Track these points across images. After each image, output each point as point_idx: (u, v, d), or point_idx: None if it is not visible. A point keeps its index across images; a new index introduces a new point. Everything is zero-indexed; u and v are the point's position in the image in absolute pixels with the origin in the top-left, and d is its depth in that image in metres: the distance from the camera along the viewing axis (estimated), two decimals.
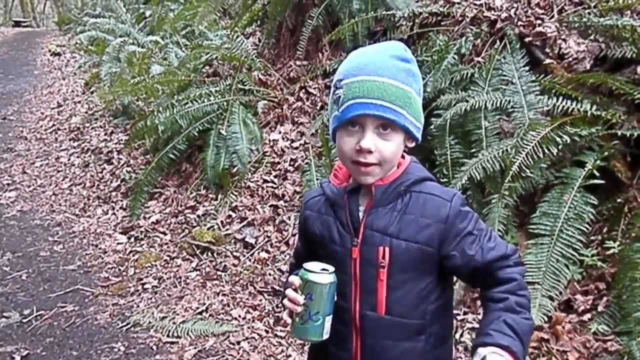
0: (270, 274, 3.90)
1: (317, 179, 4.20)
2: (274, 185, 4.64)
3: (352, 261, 1.36)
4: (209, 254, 4.30)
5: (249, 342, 3.32)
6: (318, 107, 5.09)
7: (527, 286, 1.34)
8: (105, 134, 7.50)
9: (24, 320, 3.72)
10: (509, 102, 3.47)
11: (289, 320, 1.37)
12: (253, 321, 3.52)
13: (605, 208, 3.17)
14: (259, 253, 4.13)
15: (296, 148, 4.90)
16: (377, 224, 1.35)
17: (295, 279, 1.36)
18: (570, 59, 3.61)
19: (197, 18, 7.36)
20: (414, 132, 1.34)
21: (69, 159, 7.21)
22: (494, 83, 3.66)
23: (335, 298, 1.36)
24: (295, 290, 1.35)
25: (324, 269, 1.33)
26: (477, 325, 3.09)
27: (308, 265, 1.34)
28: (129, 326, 3.60)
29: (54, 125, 8.60)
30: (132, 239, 4.90)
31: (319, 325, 1.32)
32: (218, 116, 5.32)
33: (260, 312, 3.60)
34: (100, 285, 4.18)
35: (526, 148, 3.12)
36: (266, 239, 4.22)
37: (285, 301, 1.38)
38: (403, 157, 1.43)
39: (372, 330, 1.37)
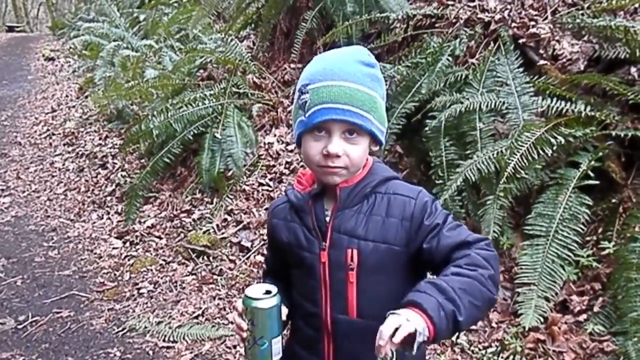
0: None
1: None
2: (270, 188, 4.64)
3: (321, 265, 1.36)
4: (205, 257, 4.29)
5: None
6: None
7: (486, 267, 1.22)
8: (100, 139, 7.47)
9: (19, 327, 3.70)
10: (504, 103, 3.48)
11: (240, 344, 1.38)
12: None
13: (600, 208, 3.18)
14: (254, 256, 4.13)
15: (291, 151, 4.89)
16: (344, 226, 1.34)
17: (239, 304, 1.37)
18: (564, 60, 3.62)
19: (191, 22, 7.37)
20: (379, 136, 1.35)
21: (63, 164, 7.18)
22: (488, 84, 3.67)
23: (284, 317, 1.37)
24: (240, 315, 1.36)
25: (267, 292, 1.32)
26: (473, 327, 3.09)
27: (249, 290, 1.34)
28: (124, 331, 3.59)
29: (48, 130, 8.56)
30: (128, 244, 4.88)
31: (266, 349, 1.32)
32: (213, 120, 5.31)
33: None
34: (95, 290, 4.17)
35: (521, 149, 3.12)
36: (262, 242, 4.21)
37: (233, 326, 1.40)
38: (366, 159, 1.42)
39: (345, 334, 1.37)
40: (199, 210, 4.90)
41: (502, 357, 2.87)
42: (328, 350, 1.39)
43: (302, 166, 4.53)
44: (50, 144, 8.03)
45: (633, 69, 3.34)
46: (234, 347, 3.31)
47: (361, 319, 1.34)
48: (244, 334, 1.34)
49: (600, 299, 2.91)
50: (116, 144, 7.01)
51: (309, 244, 1.38)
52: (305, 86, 1.32)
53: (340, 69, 1.30)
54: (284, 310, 1.38)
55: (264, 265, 1.70)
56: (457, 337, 3.02)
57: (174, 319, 3.67)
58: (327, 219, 1.37)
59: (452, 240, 1.28)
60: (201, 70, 6.35)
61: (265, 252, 4.06)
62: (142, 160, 6.12)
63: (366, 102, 1.29)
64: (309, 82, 1.32)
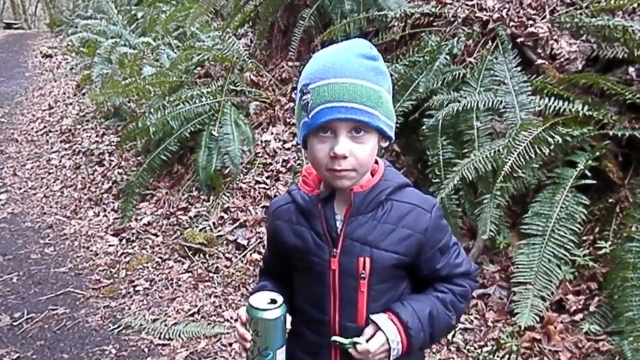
0: None
1: None
2: (266, 186, 4.63)
3: (330, 272, 1.32)
4: (201, 255, 4.28)
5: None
6: None
7: (470, 299, 1.45)
8: (97, 136, 7.46)
9: (15, 324, 3.69)
10: (501, 102, 3.47)
11: (243, 354, 1.36)
12: None
13: (597, 208, 3.18)
14: (251, 254, 4.12)
15: (288, 149, 4.88)
16: (357, 233, 1.31)
17: (243, 313, 1.33)
18: (562, 59, 3.62)
19: (189, 19, 7.36)
20: (387, 132, 1.30)
21: (60, 161, 7.17)
22: (486, 83, 3.66)
23: (289, 326, 1.33)
24: (243, 324, 1.33)
25: (272, 301, 1.29)
26: (469, 326, 3.09)
27: (254, 300, 1.30)
28: (120, 329, 3.58)
29: (45, 127, 8.56)
30: (124, 241, 4.87)
31: None
32: (210, 117, 5.30)
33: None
34: (91, 287, 4.15)
35: (518, 148, 3.11)
36: (258, 240, 4.20)
37: (235, 335, 1.36)
38: (377, 162, 1.38)
39: None
40: (195, 208, 4.89)
41: (497, 356, 2.87)
42: (335, 357, 1.37)
43: (299, 164, 4.52)
44: (47, 141, 8.03)
45: (631, 69, 3.34)
46: (230, 345, 3.30)
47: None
48: (248, 344, 1.31)
49: (597, 298, 2.91)
50: (113, 141, 7.00)
51: (318, 250, 1.33)
52: (306, 86, 1.26)
53: (341, 65, 1.23)
54: (288, 319, 1.34)
55: (261, 265, 1.64)
56: (453, 336, 3.02)
57: (169, 316, 3.66)
58: (339, 224, 1.33)
59: (459, 270, 1.39)
60: (198, 68, 6.34)
61: (262, 250, 4.09)
62: (139, 158, 6.12)
63: (371, 97, 1.23)
64: (309, 81, 1.26)
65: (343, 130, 1.23)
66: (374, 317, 1.30)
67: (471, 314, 3.14)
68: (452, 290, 1.36)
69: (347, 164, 1.24)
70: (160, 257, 4.45)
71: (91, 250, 4.81)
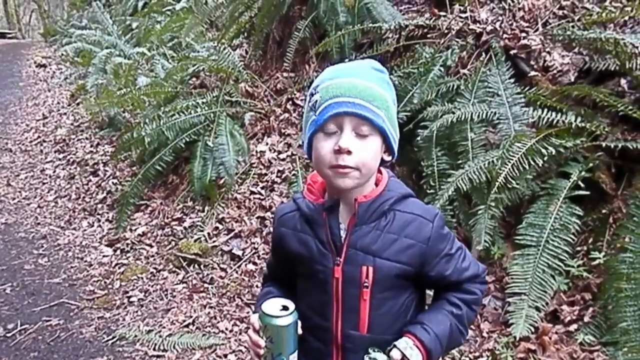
0: (257, 286, 3.88)
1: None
2: (261, 197, 4.63)
3: (334, 280, 1.34)
4: (196, 266, 4.28)
5: (236, 355, 3.30)
6: None
7: (481, 303, 1.45)
8: (91, 146, 7.45)
9: (8, 335, 3.67)
10: (495, 113, 3.50)
11: (255, 359, 1.38)
12: (240, 334, 3.50)
13: (590, 219, 3.19)
14: (246, 265, 4.12)
15: (283, 159, 4.89)
16: (360, 242, 1.33)
17: (255, 320, 1.35)
18: (555, 71, 3.65)
19: (184, 30, 7.36)
20: (391, 140, 1.32)
21: (54, 171, 7.15)
22: (480, 95, 3.68)
23: (300, 331, 1.36)
24: (256, 331, 1.35)
25: (284, 308, 1.31)
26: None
27: (266, 307, 1.32)
28: (114, 340, 3.56)
29: (39, 137, 8.53)
30: (118, 252, 4.85)
31: None
32: (205, 128, 5.31)
33: (247, 324, 3.57)
34: (85, 298, 4.14)
35: (512, 159, 3.13)
36: (253, 251, 4.20)
37: (248, 342, 1.39)
38: (381, 172, 1.41)
39: (354, 348, 1.37)
40: (190, 218, 4.88)
41: None
42: None
43: (294, 175, 4.53)
44: (41, 151, 8.00)
45: (623, 81, 3.37)
46: (225, 356, 3.30)
47: (371, 334, 1.35)
48: (261, 351, 1.33)
49: (591, 309, 2.92)
50: (108, 152, 6.99)
51: (322, 258, 1.36)
52: (316, 88, 1.32)
53: (351, 69, 1.31)
54: (299, 324, 1.36)
55: (265, 270, 1.68)
56: None
57: (164, 327, 3.65)
58: (342, 233, 1.35)
59: (468, 274, 1.40)
60: (194, 79, 6.35)
61: (257, 261, 4.09)
62: (134, 168, 6.11)
63: (377, 98, 1.28)
64: (319, 83, 1.31)
65: (349, 125, 1.27)
66: (400, 345, 1.30)
67: None
68: (465, 301, 1.39)
69: (350, 160, 1.26)
70: (154, 268, 4.44)
71: (85, 261, 4.79)
